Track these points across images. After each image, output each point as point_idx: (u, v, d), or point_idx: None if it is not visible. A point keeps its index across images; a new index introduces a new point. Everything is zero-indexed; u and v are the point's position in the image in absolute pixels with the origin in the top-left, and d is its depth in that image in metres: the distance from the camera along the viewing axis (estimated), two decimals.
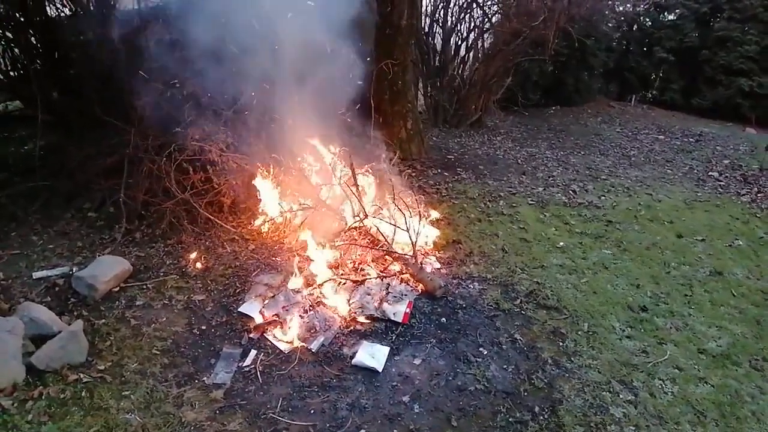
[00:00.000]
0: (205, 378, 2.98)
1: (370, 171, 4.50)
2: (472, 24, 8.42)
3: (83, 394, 2.85)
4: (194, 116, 4.41)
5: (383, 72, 5.56)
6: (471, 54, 8.41)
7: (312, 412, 2.76)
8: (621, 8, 11.74)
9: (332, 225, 4.08)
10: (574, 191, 5.90)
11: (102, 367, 3.04)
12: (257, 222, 4.44)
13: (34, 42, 6.76)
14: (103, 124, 4.99)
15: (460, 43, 8.48)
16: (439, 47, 8.43)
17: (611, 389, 3.01)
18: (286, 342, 3.23)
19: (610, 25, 11.30)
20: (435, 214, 4.76)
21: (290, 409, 2.77)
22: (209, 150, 4.34)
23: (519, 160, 6.96)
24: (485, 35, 8.54)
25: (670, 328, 3.61)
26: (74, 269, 3.89)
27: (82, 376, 2.96)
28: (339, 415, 2.74)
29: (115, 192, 4.58)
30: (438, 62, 8.45)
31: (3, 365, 2.84)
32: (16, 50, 7.24)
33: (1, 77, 7.98)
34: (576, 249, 4.54)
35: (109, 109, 4.92)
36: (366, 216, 3.84)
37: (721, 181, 6.67)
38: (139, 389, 2.90)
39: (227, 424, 2.68)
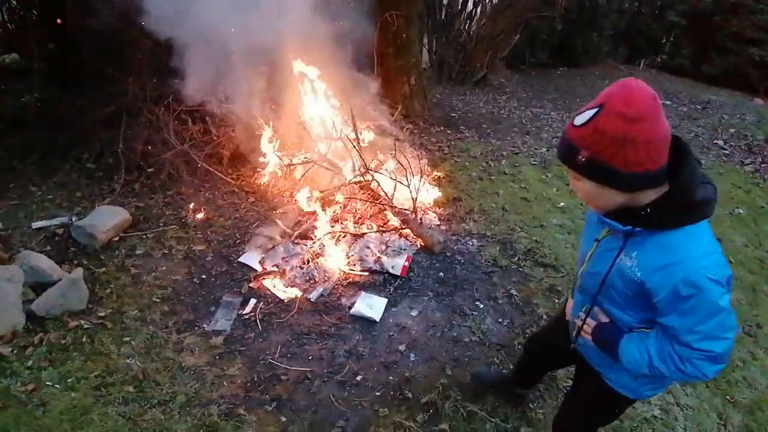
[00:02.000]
0: (204, 325, 3.03)
1: (372, 126, 4.44)
2: None
3: (84, 339, 2.90)
4: (193, 66, 4.32)
5: (387, 24, 5.41)
6: (479, 9, 8.15)
7: (310, 358, 2.82)
8: None
9: (333, 179, 4.05)
10: None
11: (102, 314, 3.08)
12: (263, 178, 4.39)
13: None
14: (100, 74, 4.90)
15: None
16: (445, 0, 8.17)
17: None
18: (286, 292, 3.26)
19: None
20: (436, 172, 4.72)
21: (288, 356, 2.83)
22: (208, 101, 4.27)
23: (523, 120, 6.86)
24: None
25: None
26: (74, 219, 3.89)
27: (82, 322, 3.00)
28: (336, 361, 2.80)
29: (114, 143, 4.52)
30: (444, 16, 8.21)
31: (2, 313, 2.87)
32: (13, 2, 7.07)
33: None
34: (576, 210, 4.52)
35: (106, 59, 4.82)
36: (367, 171, 3.81)
37: (726, 149, 6.59)
38: (139, 335, 2.94)
39: (226, 368, 2.74)
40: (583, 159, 1.27)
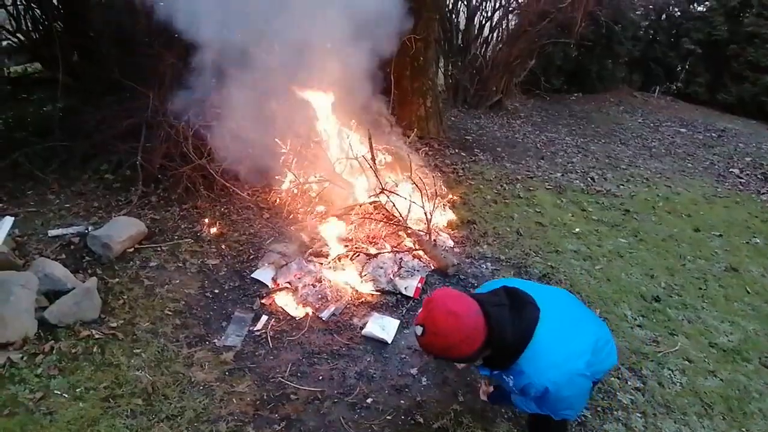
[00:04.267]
0: (215, 340, 3.01)
1: (388, 148, 4.46)
2: (498, 3, 8.23)
3: (95, 349, 2.89)
4: (214, 83, 4.39)
5: (405, 47, 5.47)
6: (495, 34, 8.24)
7: (320, 378, 2.78)
8: None
9: (347, 198, 4.06)
10: (592, 179, 5.82)
11: (114, 325, 3.08)
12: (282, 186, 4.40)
13: (56, 3, 6.76)
14: (122, 87, 4.99)
15: (484, 22, 8.31)
16: (462, 25, 8.26)
17: (620, 375, 3.00)
18: (297, 309, 3.24)
19: (638, 12, 11.01)
20: (451, 194, 4.72)
21: (299, 375, 2.80)
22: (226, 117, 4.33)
23: (538, 145, 6.86)
24: (510, 15, 8.35)
25: (683, 320, 3.57)
26: (90, 228, 3.92)
27: (94, 332, 3.00)
28: (347, 383, 2.76)
29: (132, 155, 4.58)
30: (461, 41, 8.30)
31: (14, 319, 2.87)
32: (37, 11, 7.25)
33: (22, 38, 8.02)
34: (592, 236, 4.49)
35: (128, 72, 4.91)
36: (383, 191, 3.81)
37: (742, 178, 6.54)
38: (150, 348, 2.93)
39: (236, 385, 2.71)
40: (433, 357, 2.04)
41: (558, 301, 1.98)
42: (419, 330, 1.74)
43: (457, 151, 6.10)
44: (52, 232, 3.92)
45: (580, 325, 1.94)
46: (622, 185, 5.74)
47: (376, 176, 3.89)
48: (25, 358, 2.78)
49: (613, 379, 2.96)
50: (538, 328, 1.78)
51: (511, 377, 1.86)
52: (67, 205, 4.36)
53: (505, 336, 1.74)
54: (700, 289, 3.96)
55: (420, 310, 1.79)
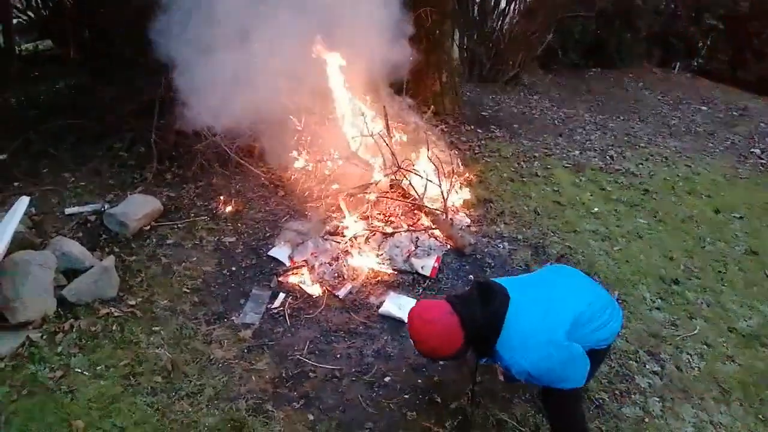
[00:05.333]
0: (234, 318, 3.03)
1: (404, 124, 4.39)
2: None
3: (114, 327, 2.92)
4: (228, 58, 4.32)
5: (420, 19, 5.33)
6: (512, 6, 8.01)
7: (338, 356, 2.80)
8: None
9: (363, 176, 4.01)
10: (611, 157, 5.70)
11: (133, 303, 3.11)
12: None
13: None
14: (134, 64, 4.93)
15: None
16: None
17: (638, 359, 2.98)
18: (314, 287, 3.25)
19: None
20: (467, 172, 4.65)
21: (317, 352, 2.82)
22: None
23: (556, 121, 6.72)
24: None
25: (701, 303, 3.53)
26: (106, 206, 3.93)
27: (113, 310, 3.03)
28: (365, 361, 2.78)
29: (146, 132, 4.56)
30: (476, 13, 8.09)
31: (34, 298, 2.89)
32: None
33: (32, 15, 7.99)
34: (610, 216, 4.41)
35: (141, 49, 4.84)
36: (399, 169, 3.76)
37: (763, 159, 6.37)
38: (168, 325, 2.96)
39: (255, 363, 2.74)
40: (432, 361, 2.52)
41: (538, 285, 2.16)
42: (412, 342, 2.02)
43: (472, 127, 6.00)
44: (68, 211, 3.93)
45: (559, 302, 2.05)
46: (641, 164, 5.62)
47: (392, 154, 3.83)
48: (44, 337, 2.82)
49: (631, 362, 2.95)
50: (508, 315, 1.95)
51: (498, 362, 2.09)
52: (83, 183, 4.37)
53: (477, 329, 1.94)
54: (720, 272, 3.89)
55: None
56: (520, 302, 1.98)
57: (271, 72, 4.00)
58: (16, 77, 7.72)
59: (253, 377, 2.65)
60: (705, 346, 3.14)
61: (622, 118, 7.23)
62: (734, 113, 8.22)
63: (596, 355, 2.12)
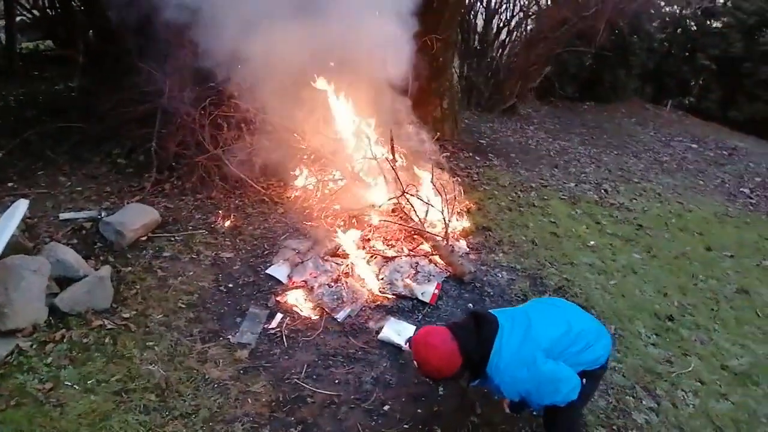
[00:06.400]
0: (230, 336, 2.98)
1: (409, 148, 4.41)
2: (518, 7, 8.16)
3: (106, 340, 2.86)
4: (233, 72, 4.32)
5: (425, 47, 5.40)
6: (513, 36, 8.16)
7: (336, 381, 2.76)
8: (667, 8, 11.36)
9: (364, 198, 4.01)
10: (605, 191, 5.79)
11: (127, 315, 3.04)
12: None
13: None
14: (138, 70, 4.91)
15: (502, 26, 8.24)
16: (480, 27, 8.19)
17: (635, 395, 2.99)
18: (313, 309, 3.21)
19: (654, 25, 10.94)
20: (466, 200, 4.68)
21: (314, 377, 2.77)
22: (246, 109, 4.27)
23: (551, 153, 6.82)
24: (529, 20, 8.29)
25: (695, 340, 3.56)
26: (102, 214, 3.86)
27: (106, 322, 2.97)
28: (363, 387, 2.74)
29: (147, 140, 4.52)
30: (477, 43, 8.24)
31: (25, 305, 2.82)
32: None
33: (38, 14, 7.94)
34: (606, 249, 4.46)
35: (145, 55, 4.83)
36: (403, 193, 3.77)
37: (752, 198, 6.52)
38: (163, 341, 2.90)
39: (251, 385, 2.68)
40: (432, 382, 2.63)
41: (524, 314, 2.31)
42: (415, 364, 2.22)
43: (471, 154, 6.06)
44: (63, 216, 3.86)
45: (538, 327, 2.23)
46: (635, 199, 5.71)
47: (397, 178, 3.84)
48: (34, 346, 2.74)
49: (628, 397, 2.95)
50: (496, 341, 2.17)
51: (488, 384, 2.25)
52: (79, 188, 4.31)
53: (471, 353, 2.17)
54: (712, 309, 3.94)
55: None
56: (505, 329, 2.20)
57: None
58: (16, 75, 7.65)
59: (249, 400, 2.59)
60: (699, 383, 3.16)
61: (615, 152, 7.36)
62: (724, 152, 8.42)
63: (591, 376, 2.30)
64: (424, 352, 2.17)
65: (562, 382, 2.14)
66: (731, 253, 4.86)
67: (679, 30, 11.54)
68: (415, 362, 2.21)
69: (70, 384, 2.57)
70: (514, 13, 8.27)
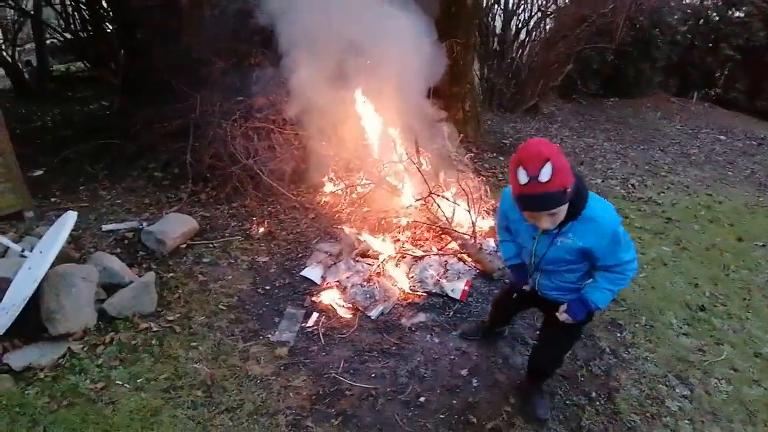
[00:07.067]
0: (269, 335, 3.10)
1: (435, 151, 4.50)
2: (536, 7, 8.19)
3: (153, 342, 3.01)
4: (260, 85, 4.51)
5: (446, 51, 5.50)
6: (532, 36, 8.19)
7: (373, 375, 2.85)
8: (688, 0, 11.23)
9: (393, 200, 4.12)
10: (633, 185, 5.77)
11: (171, 318, 3.20)
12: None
13: (105, 5, 6.98)
14: (169, 88, 5.14)
15: (520, 26, 8.29)
16: (498, 29, 8.26)
17: (668, 383, 3.00)
18: (347, 308, 3.32)
19: (676, 17, 10.81)
20: (492, 199, 4.73)
21: (351, 371, 2.87)
22: (273, 120, 4.44)
23: (576, 150, 6.82)
24: (547, 19, 8.31)
25: (728, 329, 3.54)
26: (143, 224, 4.06)
27: (152, 325, 3.13)
28: (399, 381, 2.82)
29: (181, 154, 4.73)
30: (496, 45, 8.30)
31: (76, 310, 3.00)
32: (85, 13, 7.49)
33: (70, 37, 8.31)
34: (635, 243, 4.44)
35: (176, 73, 5.05)
36: (430, 194, 3.86)
37: None
38: (206, 341, 3.04)
39: (292, 380, 2.80)
40: (568, 193, 1.91)
41: None
42: (548, 168, 1.82)
43: (495, 155, 6.11)
44: (106, 227, 4.07)
45: None
46: (663, 193, 5.68)
47: (424, 180, 3.94)
48: (85, 349, 2.92)
49: (660, 386, 2.96)
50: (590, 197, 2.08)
51: (571, 235, 2.10)
52: (119, 201, 4.53)
53: (578, 184, 1.99)
54: (744, 299, 3.90)
55: (514, 159, 1.90)
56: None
57: None
58: (50, 97, 8.02)
59: (291, 394, 2.71)
60: (732, 371, 3.15)
61: (641, 147, 7.30)
62: (753, 142, 8.26)
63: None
64: (547, 149, 1.84)
65: (631, 249, 2.15)
66: (763, 242, 4.79)
67: (701, 21, 11.36)
68: (524, 170, 1.84)
69: (120, 383, 2.73)
70: (533, 14, 8.29)
